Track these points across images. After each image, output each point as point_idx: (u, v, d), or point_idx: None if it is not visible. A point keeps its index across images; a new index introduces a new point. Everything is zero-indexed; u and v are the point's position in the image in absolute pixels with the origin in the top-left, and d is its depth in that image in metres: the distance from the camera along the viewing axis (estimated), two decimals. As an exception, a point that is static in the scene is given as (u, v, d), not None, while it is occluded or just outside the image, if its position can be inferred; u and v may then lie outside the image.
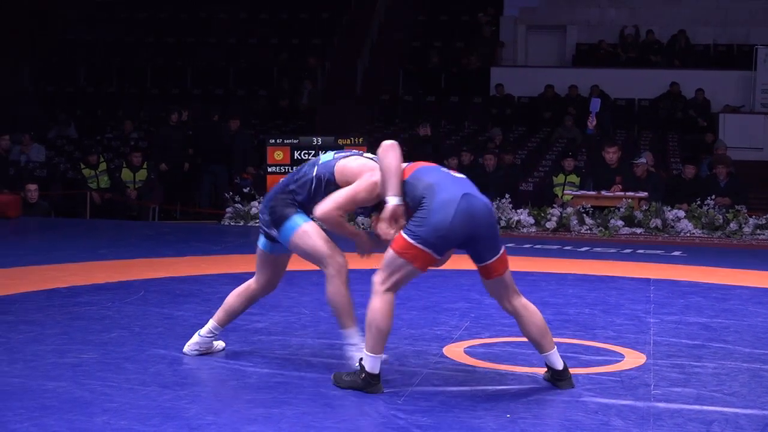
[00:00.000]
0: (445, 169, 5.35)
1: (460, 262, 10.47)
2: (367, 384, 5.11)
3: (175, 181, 17.39)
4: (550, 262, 10.60)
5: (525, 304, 5.40)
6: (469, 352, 6.10)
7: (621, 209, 13.75)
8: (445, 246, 5.14)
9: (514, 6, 25.35)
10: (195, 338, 5.86)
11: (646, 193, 14.12)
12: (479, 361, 5.84)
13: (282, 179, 5.68)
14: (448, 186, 5.12)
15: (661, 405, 5.00)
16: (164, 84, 23.93)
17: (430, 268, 5.24)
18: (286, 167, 14.88)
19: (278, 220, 5.53)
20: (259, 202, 14.59)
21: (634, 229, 13.57)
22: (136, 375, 5.33)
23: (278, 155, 14.93)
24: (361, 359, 5.19)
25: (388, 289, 5.31)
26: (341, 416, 4.69)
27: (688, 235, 13.50)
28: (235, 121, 17.47)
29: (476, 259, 5.30)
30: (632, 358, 6.00)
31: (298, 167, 5.67)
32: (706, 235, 13.52)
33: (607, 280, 9.38)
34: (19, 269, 9.26)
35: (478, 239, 5.17)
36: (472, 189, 5.20)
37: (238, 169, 17.13)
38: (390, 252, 5.23)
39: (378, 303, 5.26)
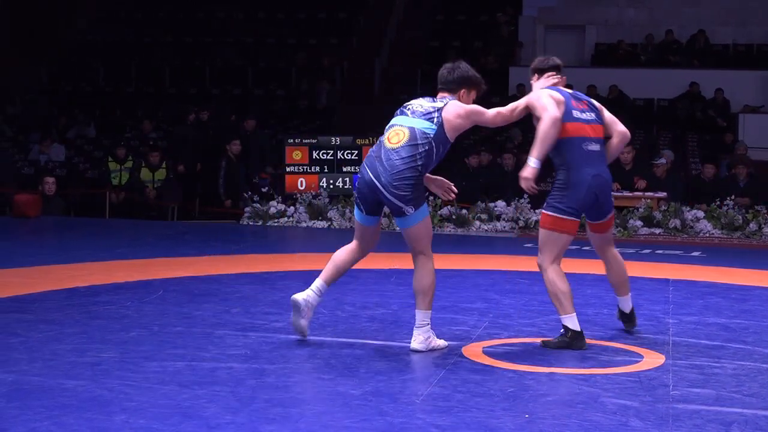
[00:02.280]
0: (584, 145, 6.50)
1: (478, 262, 10.47)
2: (574, 340, 6.26)
3: (193, 180, 17.41)
4: (570, 263, 10.53)
5: (615, 255, 6.87)
6: (488, 352, 6.10)
7: (640, 209, 13.72)
8: (581, 212, 6.49)
9: (533, 6, 25.30)
10: (308, 293, 6.31)
11: (665, 194, 14.08)
12: (498, 361, 5.83)
13: (396, 150, 6.14)
14: (581, 165, 6.44)
15: (680, 406, 4.98)
16: (182, 84, 23.98)
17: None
18: (305, 167, 14.91)
19: (417, 200, 6.10)
20: (277, 202, 14.61)
21: (653, 230, 13.55)
22: (155, 374, 5.34)
23: (297, 155, 14.97)
24: (564, 325, 6.31)
25: (552, 262, 6.44)
26: (360, 416, 4.68)
27: (707, 235, 13.47)
28: (250, 121, 17.48)
29: (591, 218, 6.65)
30: (651, 359, 5.99)
31: (406, 142, 6.15)
32: (725, 236, 13.49)
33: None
34: (38, 268, 9.30)
35: (599, 207, 6.55)
36: (600, 167, 6.52)
37: (255, 169, 17.14)
38: (543, 232, 6.50)
39: (551, 275, 6.41)
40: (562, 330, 6.33)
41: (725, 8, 24.43)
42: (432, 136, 6.15)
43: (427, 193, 6.31)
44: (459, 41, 24.73)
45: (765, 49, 23.34)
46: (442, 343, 6.20)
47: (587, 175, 6.43)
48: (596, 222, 6.65)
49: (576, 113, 6.57)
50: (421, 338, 6.08)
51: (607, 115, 6.82)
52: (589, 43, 24.75)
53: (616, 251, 6.89)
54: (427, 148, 6.12)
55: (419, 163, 6.07)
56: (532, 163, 6.47)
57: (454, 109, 6.24)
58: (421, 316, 6.10)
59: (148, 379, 5.24)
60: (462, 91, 6.42)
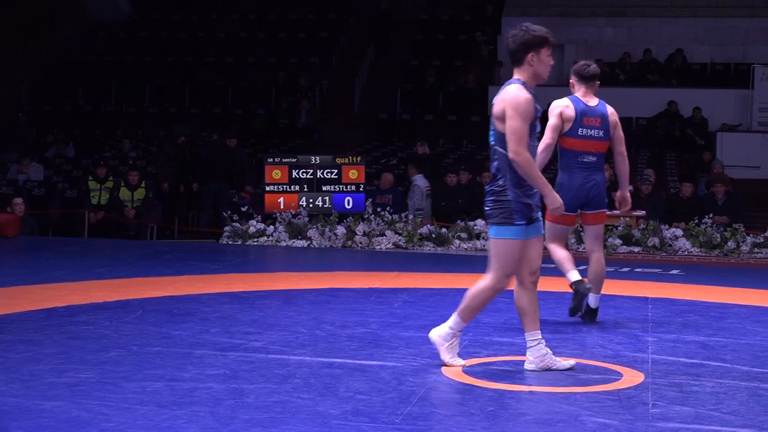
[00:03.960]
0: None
1: (458, 281, 10.48)
2: (578, 285, 7.77)
3: (174, 200, 17.40)
4: (548, 281, 10.57)
5: (599, 258, 7.97)
6: (468, 371, 6.09)
7: (619, 228, 13.76)
8: (575, 208, 7.86)
9: (512, 25, 25.15)
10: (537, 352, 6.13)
11: (644, 212, 14.13)
12: (477, 380, 5.83)
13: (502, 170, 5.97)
14: (576, 172, 7.87)
15: (660, 424, 4.99)
16: (163, 103, 23.96)
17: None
18: (285, 186, 14.89)
19: (495, 216, 5.96)
20: (257, 221, 14.59)
21: (631, 248, 13.59)
22: (134, 394, 5.32)
23: (276, 174, 14.96)
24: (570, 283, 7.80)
25: (552, 242, 7.93)
26: (339, 436, 4.68)
27: (686, 253, 13.51)
28: (232, 140, 17.49)
29: (584, 210, 7.91)
30: (630, 377, 6.00)
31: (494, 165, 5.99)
32: (703, 254, 13.53)
33: (605, 298, 9.35)
34: (17, 288, 9.25)
35: (589, 204, 7.88)
36: (592, 174, 7.84)
37: (235, 188, 17.14)
38: (546, 224, 7.54)
39: (551, 248, 7.81)
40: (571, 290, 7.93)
41: (703, 27, 24.60)
42: (493, 142, 5.98)
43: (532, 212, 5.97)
44: (438, 60, 24.80)
45: (742, 68, 23.50)
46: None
47: (579, 180, 7.85)
48: (588, 213, 7.96)
49: (582, 131, 7.83)
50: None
51: (619, 133, 7.99)
52: (568, 62, 24.82)
53: (602, 255, 8.05)
54: (495, 156, 5.94)
55: (497, 174, 5.93)
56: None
57: (495, 105, 5.96)
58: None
59: (127, 399, 5.22)
60: (529, 55, 6.04)
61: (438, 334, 6.16)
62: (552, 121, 7.82)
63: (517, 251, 5.93)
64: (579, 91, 7.97)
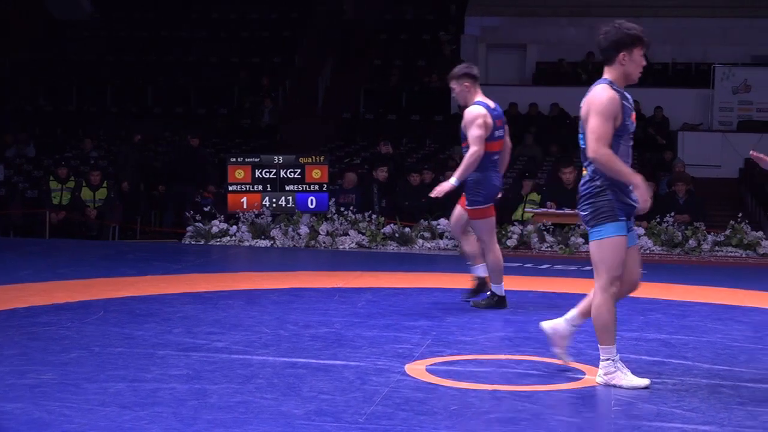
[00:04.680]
0: None
1: (421, 280, 10.49)
2: (499, 303, 8.53)
3: (135, 200, 17.31)
4: (512, 280, 10.61)
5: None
6: (431, 370, 6.10)
7: (581, 226, 13.81)
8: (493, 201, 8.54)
9: (475, 25, 25.47)
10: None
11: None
12: (441, 379, 5.84)
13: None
14: (490, 170, 8.43)
15: (622, 421, 5.01)
16: (124, 102, 23.84)
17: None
18: (248, 186, 14.84)
19: (593, 217, 5.75)
20: (220, 221, 14.54)
21: (594, 247, 13.63)
22: (96, 395, 5.29)
23: (239, 174, 14.90)
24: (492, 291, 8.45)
25: (491, 238, 8.61)
26: (302, 435, 4.67)
27: (648, 252, 13.59)
28: (194, 140, 17.42)
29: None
30: (593, 375, 6.01)
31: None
32: (665, 252, 13.62)
33: (567, 297, 9.41)
34: (-23, 289, 9.17)
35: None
36: (499, 170, 8.60)
37: (198, 188, 17.07)
38: (478, 221, 8.50)
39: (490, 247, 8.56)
40: (488, 293, 8.60)
41: (664, 28, 24.74)
42: (583, 145, 5.79)
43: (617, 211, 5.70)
44: (402, 60, 24.82)
45: (703, 68, 23.68)
46: (628, 382, 5.67)
47: (494, 177, 8.48)
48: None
49: (497, 133, 8.44)
50: (600, 372, 5.80)
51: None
52: (531, 61, 24.95)
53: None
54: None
55: (594, 176, 5.74)
56: (453, 181, 8.30)
57: (582, 108, 5.83)
58: (601, 350, 5.80)
59: (89, 401, 5.19)
60: (621, 54, 5.83)
61: (605, 372, 5.76)
62: (479, 132, 8.33)
63: (622, 250, 5.66)
64: (478, 94, 8.56)
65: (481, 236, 8.56)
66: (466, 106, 8.58)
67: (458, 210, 8.72)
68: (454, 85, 8.64)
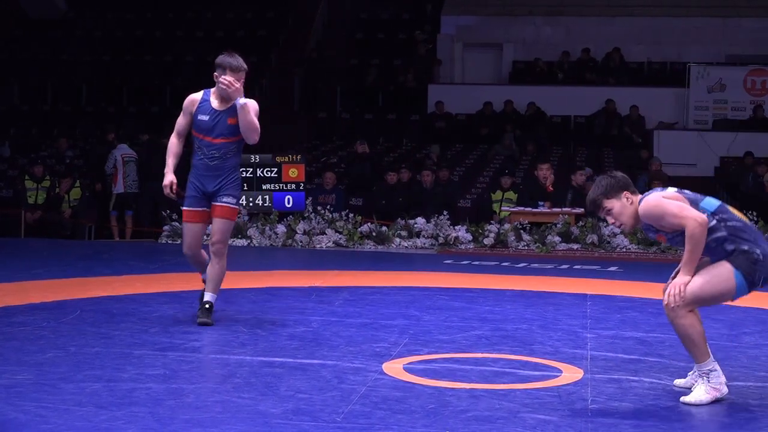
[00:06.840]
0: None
1: (398, 279, 10.49)
2: None
3: (109, 200, 17.23)
4: (488, 278, 10.65)
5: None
6: (408, 368, 6.10)
7: (558, 225, 13.85)
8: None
9: (451, 24, 25.51)
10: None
11: (582, 209, 14.25)
12: (418, 378, 5.84)
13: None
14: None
15: (599, 419, 5.03)
16: (100, 102, 23.74)
17: None
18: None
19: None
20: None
21: (570, 245, 13.69)
22: (72, 396, 5.26)
23: (215, 173, 14.82)
24: None
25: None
26: (280, 435, 4.66)
27: (624, 250, 13.64)
28: (167, 139, 17.35)
29: None
30: (570, 373, 6.04)
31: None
32: (641, 251, 13.67)
33: (544, 295, 9.43)
34: (-49, 290, 9.12)
35: None
36: None
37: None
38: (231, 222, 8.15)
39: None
40: None
41: (639, 27, 24.88)
42: None
43: None
44: (378, 59, 24.83)
45: (678, 67, 23.79)
46: (705, 397, 5.43)
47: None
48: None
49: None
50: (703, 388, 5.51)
51: None
52: (507, 60, 25.00)
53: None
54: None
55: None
56: None
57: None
58: (702, 368, 5.57)
59: (65, 401, 5.16)
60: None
61: (695, 397, 5.46)
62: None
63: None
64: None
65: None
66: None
67: None
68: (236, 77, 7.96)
